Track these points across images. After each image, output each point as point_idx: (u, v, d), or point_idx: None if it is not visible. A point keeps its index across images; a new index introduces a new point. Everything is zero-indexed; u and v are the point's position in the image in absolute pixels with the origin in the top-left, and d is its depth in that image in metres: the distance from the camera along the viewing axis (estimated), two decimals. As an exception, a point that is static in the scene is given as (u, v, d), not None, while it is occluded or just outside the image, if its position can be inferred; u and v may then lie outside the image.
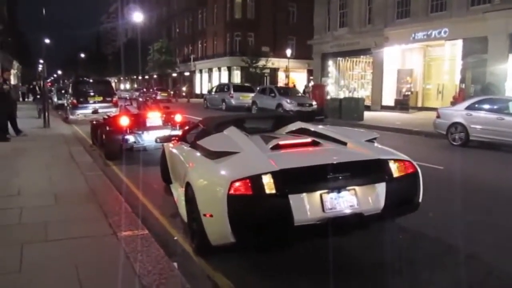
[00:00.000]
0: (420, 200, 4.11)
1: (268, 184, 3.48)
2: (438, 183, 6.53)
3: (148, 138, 8.87)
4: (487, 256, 4.12)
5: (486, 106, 11.57)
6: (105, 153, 9.32)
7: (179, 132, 9.21)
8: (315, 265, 3.87)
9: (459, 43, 20.87)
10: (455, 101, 17.78)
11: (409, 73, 24.28)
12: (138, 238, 4.14)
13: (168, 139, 6.20)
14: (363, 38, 25.97)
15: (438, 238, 4.55)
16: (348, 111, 19.01)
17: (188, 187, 4.26)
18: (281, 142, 4.30)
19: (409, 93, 23.91)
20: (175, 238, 4.64)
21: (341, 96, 26.36)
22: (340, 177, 3.69)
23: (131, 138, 8.91)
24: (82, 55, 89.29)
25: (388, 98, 25.00)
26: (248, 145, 4.15)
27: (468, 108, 11.81)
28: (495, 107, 11.43)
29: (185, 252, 4.23)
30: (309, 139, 4.48)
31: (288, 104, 21.13)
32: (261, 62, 41.97)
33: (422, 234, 4.60)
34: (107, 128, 9.36)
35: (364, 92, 28.06)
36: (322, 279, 3.54)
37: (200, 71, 53.42)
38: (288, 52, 39.64)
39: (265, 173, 3.51)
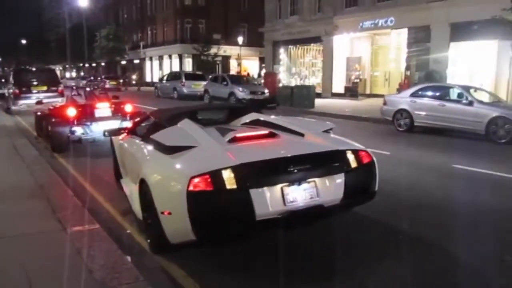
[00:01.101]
0: (376, 188, 4.22)
1: (228, 179, 3.41)
2: (385, 168, 6.81)
3: (97, 130, 8.61)
4: (430, 237, 4.39)
5: (429, 93, 12.14)
6: (52, 145, 8.97)
7: (129, 123, 9.03)
8: (270, 254, 3.95)
9: (404, 31, 21.63)
10: (401, 88, 18.50)
11: (358, 60, 24.95)
12: (89, 233, 4.07)
13: (117, 132, 5.84)
14: (314, 26, 26.33)
15: (384, 222, 4.77)
16: (300, 99, 19.30)
17: (142, 184, 4.07)
18: (238, 135, 4.20)
19: (358, 80, 24.60)
20: (128, 231, 4.58)
21: (293, 83, 26.71)
22: (300, 170, 3.70)
23: (79, 130, 8.62)
24: (24, 41, 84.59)
25: (338, 86, 25.59)
26: (205, 139, 4.03)
27: (412, 95, 12.35)
28: (437, 94, 12.01)
29: (138, 245, 4.20)
30: (266, 131, 4.42)
31: (241, 93, 21.16)
32: (213, 50, 41.60)
33: (369, 218, 4.80)
34: (53, 120, 8.99)
35: (315, 80, 28.54)
36: (277, 266, 3.62)
37: (151, 59, 52.18)
38: (240, 39, 39.58)
39: (225, 168, 3.44)
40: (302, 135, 4.41)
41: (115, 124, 8.89)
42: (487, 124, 10.33)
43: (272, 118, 5.19)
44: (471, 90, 11.51)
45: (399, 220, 4.77)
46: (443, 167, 7.64)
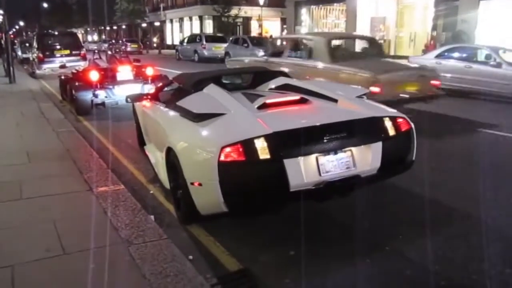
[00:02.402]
0: (413, 158, 4.03)
1: (262, 148, 3.25)
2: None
3: (120, 93, 8.74)
4: (448, 200, 4.39)
5: (455, 55, 11.77)
6: (76, 108, 9.17)
7: (151, 87, 9.09)
8: (295, 221, 3.96)
9: (432, -11, 20.78)
10: (426, 49, 17.96)
11: (382, 21, 24.19)
12: (114, 193, 4.23)
13: (139, 97, 5.58)
14: (337, -15, 25.50)
15: (404, 185, 4.73)
16: (322, 61, 18.95)
17: (170, 153, 3.92)
18: (268, 101, 3.97)
19: (382, 41, 23.91)
20: (151, 191, 4.74)
21: (315, 45, 26.13)
22: (336, 138, 3.50)
23: (102, 93, 8.76)
24: (45, 5, 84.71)
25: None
26: (234, 106, 3.82)
27: (438, 56, 12.00)
28: (464, 55, 11.63)
29: (161, 205, 4.35)
30: (297, 96, 4.19)
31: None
32: (234, 11, 40.91)
33: (389, 184, 4.76)
34: (76, 83, 9.15)
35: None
36: (303, 234, 3.60)
37: (171, 21, 51.72)
38: (261, 0, 38.62)
39: (258, 137, 3.27)
40: (335, 100, 4.16)
41: (137, 87, 8.98)
42: (516, 87, 10.00)
43: (301, 82, 4.87)
44: (500, 51, 11.07)
45: (418, 184, 4.73)
46: (468, 130, 7.52)
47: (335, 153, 3.49)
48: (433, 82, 8.09)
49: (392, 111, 4.06)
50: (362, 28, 24.93)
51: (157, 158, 4.76)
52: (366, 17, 24.80)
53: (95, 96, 8.71)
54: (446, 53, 11.95)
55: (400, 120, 3.91)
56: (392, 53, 23.84)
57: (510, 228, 3.80)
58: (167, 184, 4.24)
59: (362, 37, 11.45)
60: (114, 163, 5.60)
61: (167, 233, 3.42)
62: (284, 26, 36.85)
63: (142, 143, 5.96)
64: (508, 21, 17.51)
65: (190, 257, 3.22)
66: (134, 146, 6.43)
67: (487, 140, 6.87)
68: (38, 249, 3.20)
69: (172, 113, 4.42)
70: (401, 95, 7.37)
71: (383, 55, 10.34)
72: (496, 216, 3.99)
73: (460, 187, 4.76)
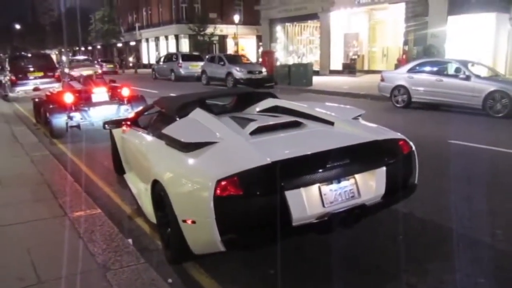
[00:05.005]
0: (416, 181, 3.86)
1: (261, 180, 3.02)
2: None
3: (95, 114, 8.66)
4: (420, 212, 4.47)
5: (427, 68, 12.11)
6: (50, 131, 9.01)
7: (127, 107, 9.04)
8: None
9: (402, 6, 21.40)
10: (399, 64, 18.42)
11: (355, 37, 24.75)
12: (90, 217, 4.16)
13: (118, 123, 5.28)
14: (310, 3, 26.00)
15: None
16: (297, 77, 19.24)
17: (156, 185, 3.62)
18: (261, 125, 3.69)
19: (356, 56, 24.45)
20: (128, 214, 4.67)
21: (290, 62, 26.54)
22: (339, 165, 3.24)
23: (77, 115, 8.66)
24: (17, 26, 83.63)
25: (336, 62, 25.45)
26: (226, 132, 3.53)
27: (410, 70, 12.32)
28: (435, 69, 11.98)
29: (139, 228, 4.29)
30: (290, 119, 3.95)
31: (238, 72, 21.06)
32: (209, 30, 41.22)
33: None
34: (51, 106, 9.02)
35: (312, 57, 28.35)
36: (281, 255, 3.64)
37: (147, 40, 51.70)
38: (236, 18, 39.06)
39: (256, 168, 3.01)
40: (331, 123, 3.90)
41: (113, 108, 8.93)
42: (484, 99, 10.34)
43: (292, 104, 4.55)
44: (469, 65, 11.46)
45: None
46: (439, 142, 7.69)
47: (338, 181, 3.25)
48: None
49: (393, 133, 3.86)
50: (336, 44, 25.47)
51: (140, 189, 4.50)
52: (340, 34, 25.35)
53: (70, 118, 8.59)
54: (417, 67, 12.29)
55: (401, 142, 3.74)
56: (366, 68, 24.40)
57: (483, 237, 3.89)
58: (153, 218, 3.95)
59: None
60: (89, 186, 5.52)
61: (145, 257, 3.38)
62: (260, 43, 37.24)
63: (119, 169, 5.68)
64: (475, 35, 18.17)
65: (170, 280, 3.19)
66: (110, 169, 6.32)
67: (457, 151, 7.04)
68: (11, 278, 3.10)
69: (156, 141, 4.08)
70: (83, 74, 14.00)
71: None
72: (469, 226, 4.09)
73: (432, 198, 4.86)
